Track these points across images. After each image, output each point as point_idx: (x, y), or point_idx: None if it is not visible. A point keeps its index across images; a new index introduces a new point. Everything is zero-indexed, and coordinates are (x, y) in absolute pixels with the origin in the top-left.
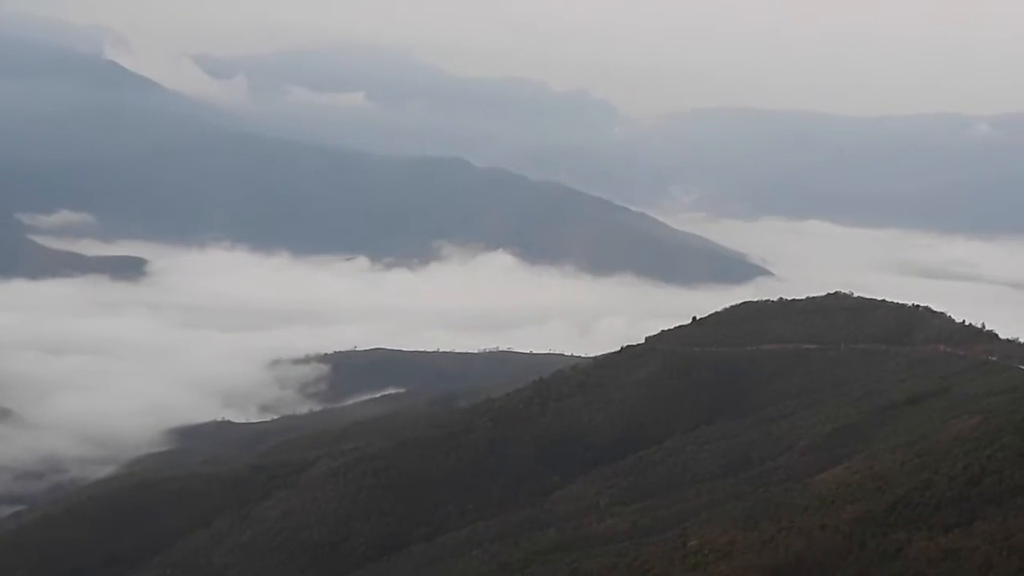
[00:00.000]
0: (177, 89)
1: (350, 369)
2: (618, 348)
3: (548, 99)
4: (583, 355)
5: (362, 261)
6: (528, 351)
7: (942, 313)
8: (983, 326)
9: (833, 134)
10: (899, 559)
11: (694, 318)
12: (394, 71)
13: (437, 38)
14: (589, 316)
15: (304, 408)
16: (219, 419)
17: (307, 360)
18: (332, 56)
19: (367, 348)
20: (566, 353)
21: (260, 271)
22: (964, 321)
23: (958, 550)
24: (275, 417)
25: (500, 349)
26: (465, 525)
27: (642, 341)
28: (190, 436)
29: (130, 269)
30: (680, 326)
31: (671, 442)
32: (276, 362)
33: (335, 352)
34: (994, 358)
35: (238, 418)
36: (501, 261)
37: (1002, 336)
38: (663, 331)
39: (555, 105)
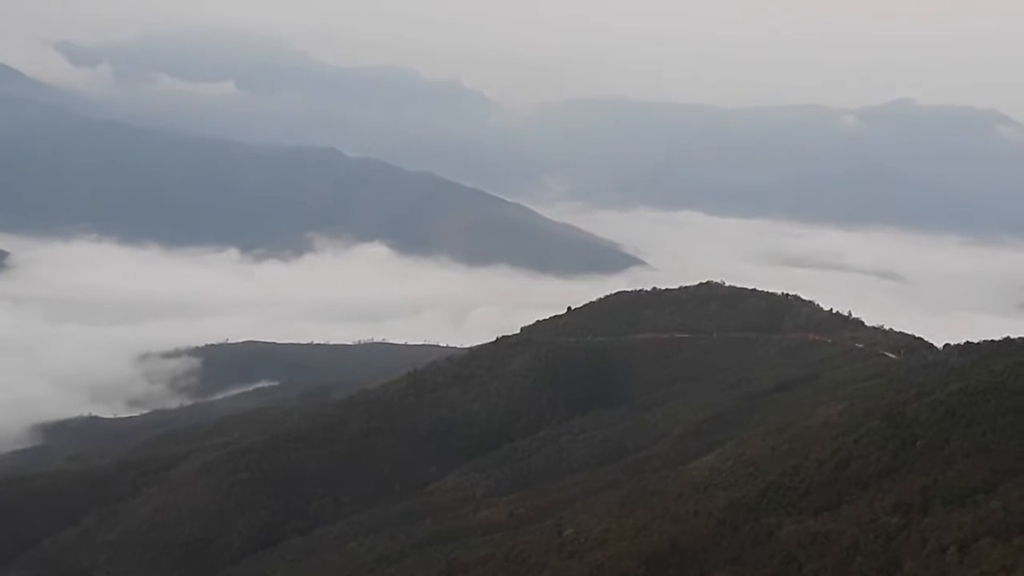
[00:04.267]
0: (39, 78)
1: (221, 362)
2: (493, 339)
3: (421, 88)
4: (458, 346)
5: (233, 253)
6: (403, 342)
7: (811, 302)
8: (850, 314)
9: (705, 126)
10: (770, 543)
11: (569, 308)
12: (264, 59)
13: (307, 26)
14: (464, 307)
15: (174, 402)
16: (86, 414)
17: (177, 353)
18: (200, 44)
19: (239, 341)
20: (441, 344)
21: (128, 263)
22: (832, 309)
23: (827, 533)
24: (144, 412)
25: (374, 341)
26: (341, 518)
27: (517, 332)
28: (56, 432)
29: None
30: (555, 316)
31: (547, 432)
32: (145, 356)
33: (206, 345)
34: (860, 345)
35: (106, 413)
36: (375, 252)
37: (868, 324)
38: (538, 321)
39: (428, 95)
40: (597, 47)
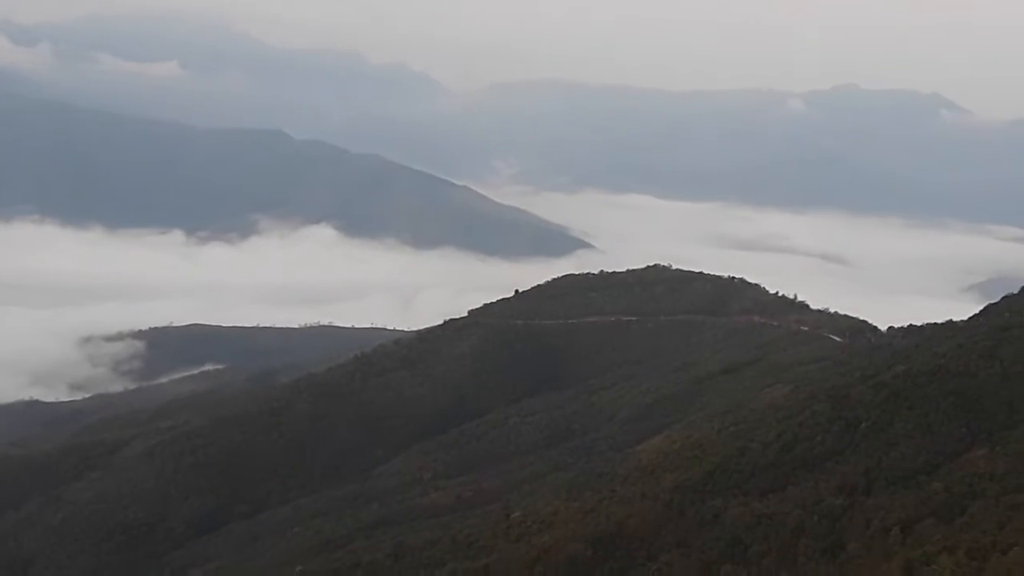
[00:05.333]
0: None
1: (166, 345)
2: (441, 322)
3: (367, 71)
4: (405, 329)
5: (177, 235)
6: (350, 325)
7: (756, 285)
8: (795, 297)
9: (653, 109)
10: (716, 525)
11: (516, 291)
12: (209, 40)
13: (252, 7)
14: (411, 290)
15: (118, 386)
16: (27, 398)
17: (120, 337)
18: (143, 24)
19: (183, 324)
20: (388, 327)
21: (71, 245)
22: (777, 292)
23: (772, 515)
24: (87, 396)
25: (321, 324)
26: (287, 502)
27: (464, 315)
28: None
29: None
30: (502, 299)
31: (494, 415)
32: (88, 339)
33: (150, 328)
34: (805, 328)
35: (47, 397)
36: (321, 235)
37: (813, 307)
38: (485, 304)
39: (375, 77)
40: (545, 30)
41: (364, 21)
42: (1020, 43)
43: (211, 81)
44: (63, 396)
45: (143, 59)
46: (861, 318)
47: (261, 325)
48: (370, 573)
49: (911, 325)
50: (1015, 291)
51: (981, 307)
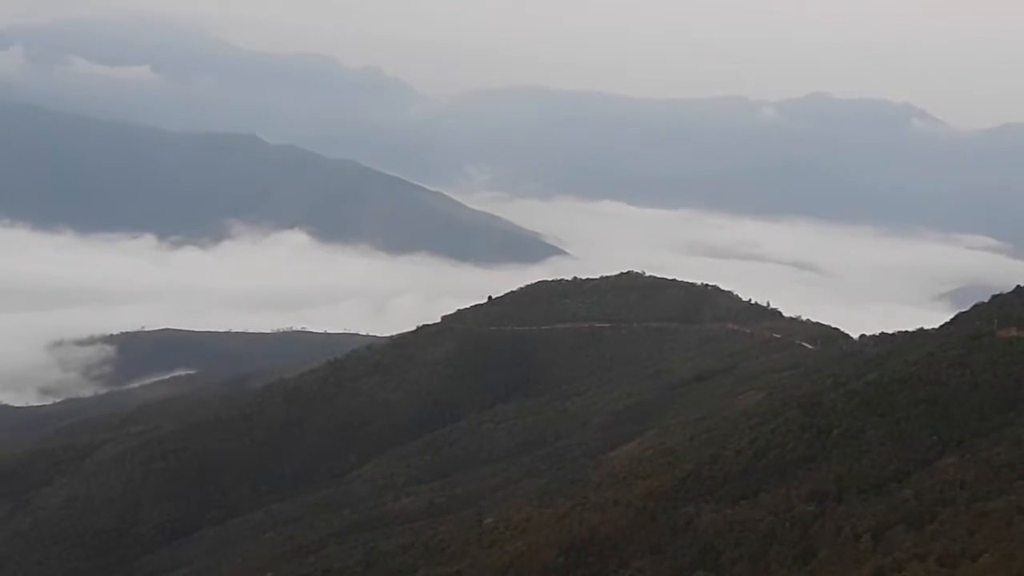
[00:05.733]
0: None
1: (137, 350)
2: (414, 327)
3: (341, 76)
4: (378, 334)
5: (149, 239)
6: (322, 331)
7: (729, 292)
8: (768, 304)
9: (626, 115)
10: (689, 531)
11: (489, 297)
12: (182, 44)
13: (226, 11)
14: (384, 295)
15: (88, 391)
16: None
17: (91, 341)
18: (116, 27)
19: (155, 329)
20: (361, 332)
21: (41, 249)
22: (750, 300)
23: (744, 521)
24: (57, 400)
25: (294, 329)
26: (259, 507)
27: (438, 320)
28: None
29: None
30: (476, 305)
31: (467, 421)
32: (58, 343)
33: (121, 333)
34: (778, 335)
35: (17, 402)
36: (295, 240)
37: (785, 314)
38: (459, 310)
39: (349, 82)
40: (519, 36)
41: (339, 26)
42: (991, 54)
43: (184, 85)
44: (33, 400)
45: (116, 62)
46: (833, 326)
47: (233, 330)
48: None
49: (883, 333)
50: (985, 300)
51: (952, 315)
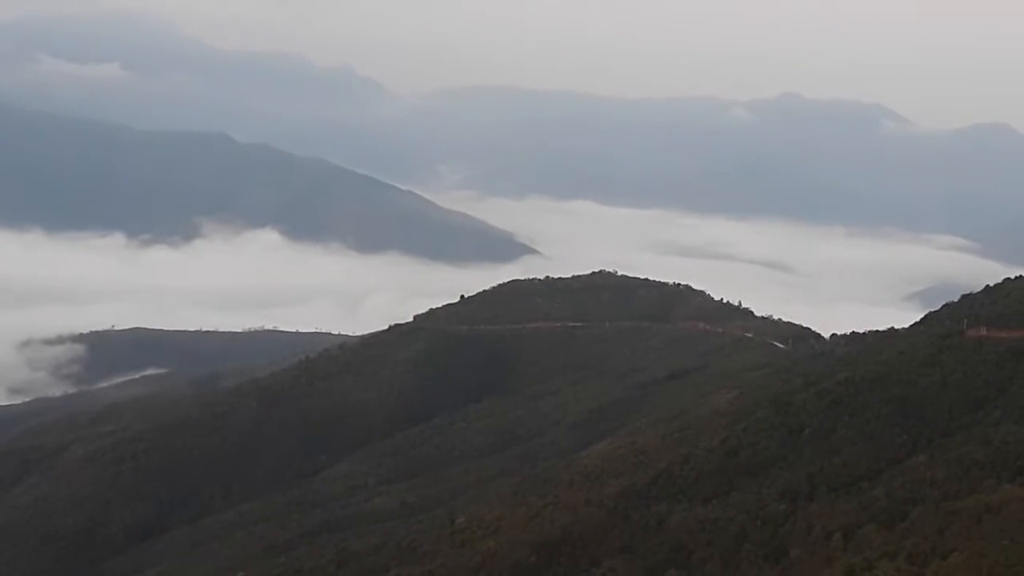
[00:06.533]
0: None
1: (107, 349)
2: (386, 326)
3: (312, 75)
4: (350, 334)
5: (119, 238)
6: (294, 330)
7: (701, 292)
8: (739, 304)
9: (598, 115)
10: (660, 530)
11: (462, 296)
12: (152, 42)
13: (196, 9)
14: (356, 294)
15: (58, 390)
16: None
17: (61, 340)
18: (84, 24)
19: (125, 328)
20: (333, 332)
21: (10, 247)
22: (722, 299)
23: (715, 520)
24: (26, 400)
25: (265, 328)
26: (229, 507)
27: (410, 319)
28: None
29: None
30: (448, 304)
31: (439, 420)
32: (27, 342)
33: (91, 332)
34: (749, 335)
35: None
36: (266, 239)
37: (757, 314)
38: (431, 309)
39: (320, 81)
40: (491, 35)
41: (310, 24)
42: (960, 55)
43: (154, 83)
44: (1, 400)
45: (84, 60)
46: (804, 325)
47: (204, 329)
48: None
49: (853, 332)
50: (955, 299)
51: (922, 315)
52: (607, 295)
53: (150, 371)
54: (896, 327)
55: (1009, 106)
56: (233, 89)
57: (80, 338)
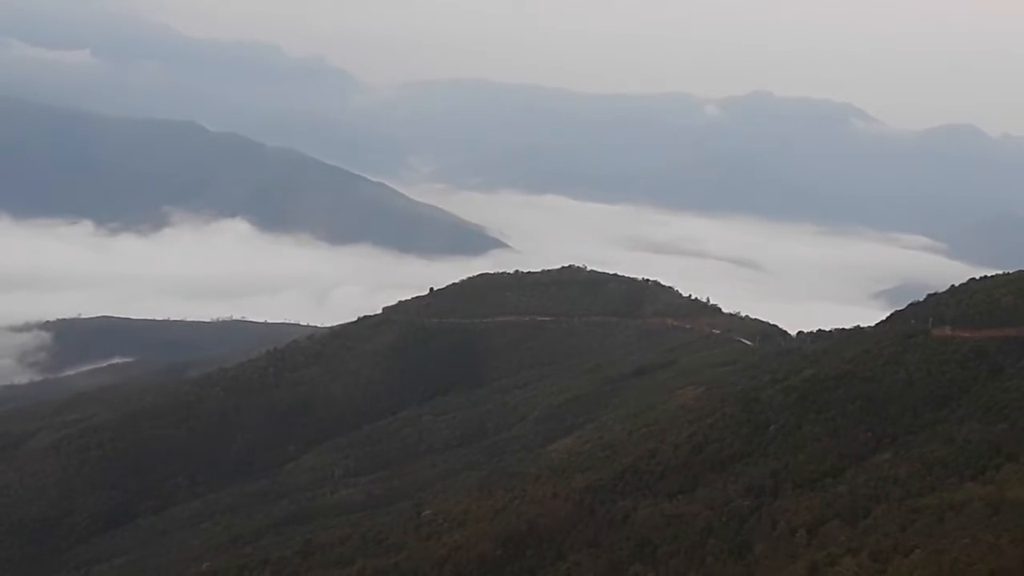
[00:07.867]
0: None
1: (74, 337)
2: (355, 318)
3: (284, 65)
4: (319, 325)
5: (87, 225)
6: (263, 320)
7: (670, 288)
8: (708, 300)
9: (571, 110)
10: (626, 525)
11: (431, 289)
12: (123, 29)
13: None
14: (325, 286)
15: (23, 378)
16: None
17: (27, 328)
18: (55, 10)
19: (92, 316)
20: (302, 323)
21: None
22: (690, 296)
23: (681, 516)
24: None
25: (233, 318)
26: (196, 497)
27: (379, 311)
28: None
29: None
30: (417, 297)
31: (407, 412)
32: None
33: (58, 320)
34: (717, 331)
35: None
36: (235, 229)
37: (725, 310)
38: (400, 302)
39: (291, 71)
40: (464, 29)
41: (282, 14)
42: (930, 55)
43: (124, 70)
44: None
45: (55, 46)
46: (772, 322)
47: (172, 318)
48: (278, 570)
49: (820, 330)
50: (921, 299)
51: (888, 314)
52: (576, 289)
53: (117, 360)
54: (862, 326)
55: (977, 108)
56: (204, 78)
57: (47, 326)
